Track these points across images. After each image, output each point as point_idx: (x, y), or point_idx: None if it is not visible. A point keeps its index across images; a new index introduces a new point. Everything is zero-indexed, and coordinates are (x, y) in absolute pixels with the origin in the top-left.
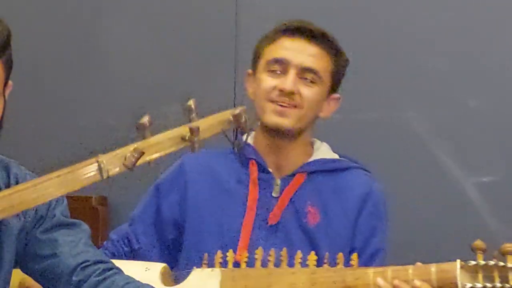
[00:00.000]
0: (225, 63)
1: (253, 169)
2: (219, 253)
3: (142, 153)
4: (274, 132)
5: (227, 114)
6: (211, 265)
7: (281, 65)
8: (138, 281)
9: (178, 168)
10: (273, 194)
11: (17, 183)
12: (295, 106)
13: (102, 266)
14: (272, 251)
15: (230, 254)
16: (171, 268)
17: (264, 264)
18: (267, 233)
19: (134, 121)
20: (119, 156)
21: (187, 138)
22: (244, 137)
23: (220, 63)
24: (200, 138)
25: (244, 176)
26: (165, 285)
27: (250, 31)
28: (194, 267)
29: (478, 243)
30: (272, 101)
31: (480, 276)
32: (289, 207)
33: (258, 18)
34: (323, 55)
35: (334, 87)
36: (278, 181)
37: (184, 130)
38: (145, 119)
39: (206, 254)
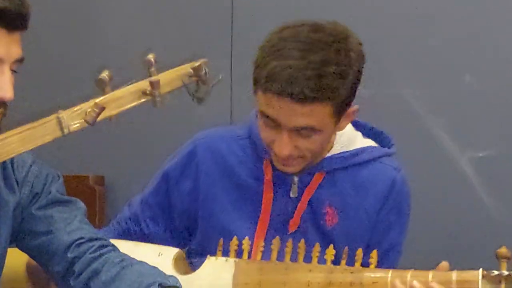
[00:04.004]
0: (222, 37)
1: (268, 169)
2: (235, 240)
3: (103, 108)
4: None
5: (187, 68)
6: (226, 252)
7: (273, 121)
8: (133, 258)
9: (190, 155)
10: (291, 195)
11: (12, 159)
12: (296, 159)
13: (97, 243)
14: (289, 242)
15: (245, 241)
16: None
17: (280, 257)
18: (283, 237)
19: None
20: (80, 112)
21: (148, 92)
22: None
23: (217, 34)
24: (161, 92)
25: (259, 172)
26: (178, 272)
27: (246, 6)
28: (208, 256)
29: (503, 250)
30: (272, 151)
31: (503, 286)
32: (307, 209)
33: None
34: (317, 109)
35: (342, 113)
36: (296, 180)
37: (144, 84)
38: (105, 74)
39: (221, 240)
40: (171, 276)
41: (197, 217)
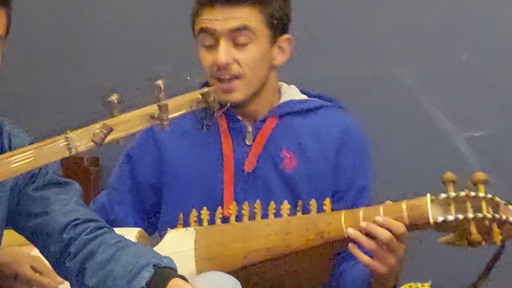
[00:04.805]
0: None
1: (222, 120)
2: (194, 212)
3: (111, 129)
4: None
5: (196, 94)
6: (186, 225)
7: (210, 36)
8: (129, 240)
9: (147, 131)
10: (247, 142)
11: (10, 141)
12: (236, 77)
13: (93, 224)
14: (245, 205)
15: (204, 212)
16: (151, 233)
17: (238, 219)
18: (245, 183)
19: (128, 81)
20: (88, 133)
21: (156, 115)
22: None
23: None
24: (169, 117)
25: (215, 128)
26: None
27: None
28: (169, 229)
29: (449, 175)
30: (216, 80)
31: (452, 208)
32: (264, 154)
33: None
34: (248, 11)
35: (277, 32)
36: (250, 128)
37: (153, 108)
38: (113, 97)
39: (181, 215)
40: (166, 257)
41: (163, 189)
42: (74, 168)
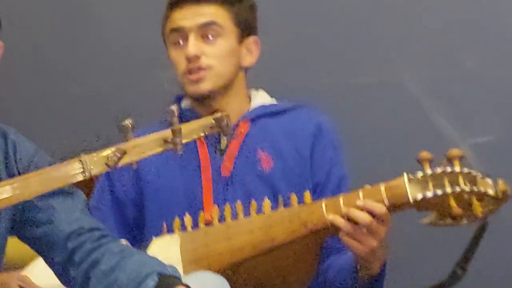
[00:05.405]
0: None
1: None
2: (177, 220)
3: (125, 152)
4: (201, 98)
5: (209, 119)
6: (170, 233)
7: (180, 34)
8: (133, 249)
9: None
10: (222, 147)
11: (14, 150)
12: (204, 69)
13: (97, 233)
14: (227, 206)
15: (187, 218)
16: (136, 247)
17: (221, 221)
18: (224, 188)
19: (128, 86)
20: (102, 156)
21: (169, 140)
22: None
23: None
24: (182, 141)
25: None
26: None
27: None
28: (153, 237)
29: (424, 154)
30: (186, 73)
31: (431, 185)
32: (240, 157)
33: None
34: (216, 9)
35: (244, 33)
36: None
37: (166, 132)
38: (128, 121)
39: (164, 225)
40: (171, 266)
41: (144, 205)
42: None
